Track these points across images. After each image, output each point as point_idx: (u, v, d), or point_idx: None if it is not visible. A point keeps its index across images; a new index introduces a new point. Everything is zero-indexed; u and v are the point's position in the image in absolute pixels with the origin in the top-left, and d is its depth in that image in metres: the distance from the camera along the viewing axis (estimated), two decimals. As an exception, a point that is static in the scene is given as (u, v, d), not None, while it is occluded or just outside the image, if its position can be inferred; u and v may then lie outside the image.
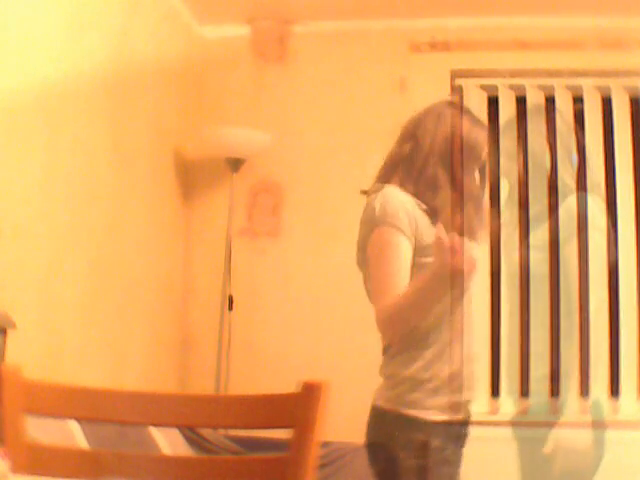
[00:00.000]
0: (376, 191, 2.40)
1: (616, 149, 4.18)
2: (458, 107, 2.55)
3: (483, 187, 2.48)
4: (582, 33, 4.24)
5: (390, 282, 2.27)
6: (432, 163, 2.40)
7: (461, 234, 2.22)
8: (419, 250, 2.32)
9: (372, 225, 2.33)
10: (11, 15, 2.83)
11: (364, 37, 4.46)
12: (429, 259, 2.27)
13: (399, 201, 2.35)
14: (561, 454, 2.36)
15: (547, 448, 2.38)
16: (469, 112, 2.54)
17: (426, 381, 2.30)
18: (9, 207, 2.83)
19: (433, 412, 2.28)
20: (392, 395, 2.31)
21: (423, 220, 2.35)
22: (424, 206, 2.37)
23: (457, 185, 2.39)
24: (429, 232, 2.32)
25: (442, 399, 2.28)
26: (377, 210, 2.33)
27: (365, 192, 2.46)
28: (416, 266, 2.32)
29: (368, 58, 4.46)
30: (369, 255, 2.34)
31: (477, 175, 2.48)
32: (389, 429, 2.30)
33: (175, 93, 4.32)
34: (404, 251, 2.29)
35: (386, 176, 2.45)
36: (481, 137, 2.48)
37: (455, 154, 2.39)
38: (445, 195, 2.38)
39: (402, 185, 2.40)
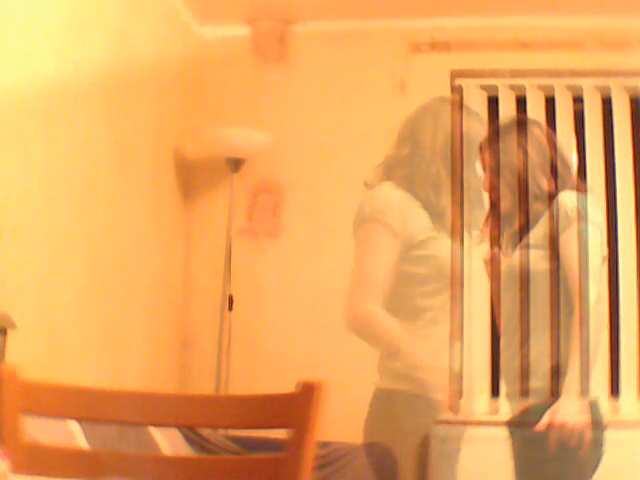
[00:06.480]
0: (372, 187, 2.42)
1: (616, 149, 4.17)
2: (452, 102, 2.56)
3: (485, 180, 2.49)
4: (582, 33, 4.23)
5: (368, 279, 2.29)
6: (435, 163, 2.41)
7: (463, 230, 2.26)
8: (411, 245, 2.33)
9: (360, 221, 2.35)
10: (11, 15, 2.83)
11: (364, 37, 4.46)
12: (421, 252, 2.28)
13: (389, 198, 2.36)
14: (554, 430, 2.35)
15: (539, 426, 2.37)
16: (464, 106, 2.55)
17: (438, 370, 2.32)
18: (9, 207, 2.83)
19: (443, 394, 2.31)
20: (404, 377, 2.33)
21: (418, 216, 2.36)
22: (420, 203, 2.39)
23: (460, 182, 2.41)
24: (424, 227, 2.34)
25: (449, 392, 2.31)
26: (366, 207, 2.35)
27: (367, 184, 2.49)
28: (408, 260, 2.33)
29: (368, 58, 4.45)
30: (355, 249, 2.37)
31: (479, 169, 2.49)
32: (400, 409, 2.31)
33: (175, 93, 4.32)
34: (388, 249, 2.31)
35: (385, 175, 2.46)
36: (480, 129, 2.49)
37: (456, 151, 2.40)
38: (448, 193, 2.40)
39: (401, 185, 2.41)
